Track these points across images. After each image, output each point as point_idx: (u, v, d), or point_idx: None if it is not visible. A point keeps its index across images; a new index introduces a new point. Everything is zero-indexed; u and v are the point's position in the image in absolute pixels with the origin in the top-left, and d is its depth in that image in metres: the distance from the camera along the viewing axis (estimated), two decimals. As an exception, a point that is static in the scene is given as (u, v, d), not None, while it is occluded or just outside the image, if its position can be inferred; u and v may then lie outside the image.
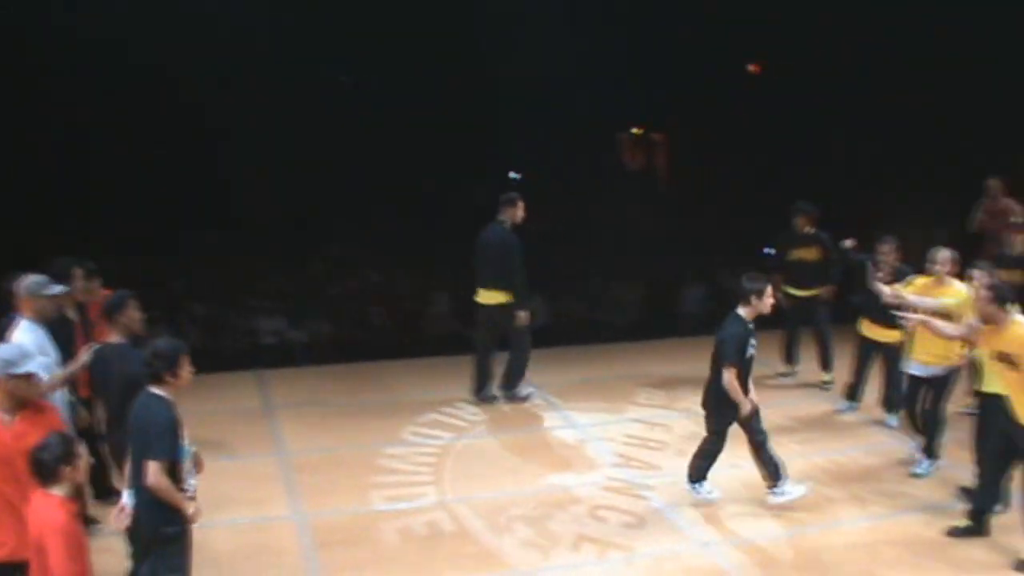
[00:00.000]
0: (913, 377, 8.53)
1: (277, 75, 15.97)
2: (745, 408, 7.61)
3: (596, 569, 7.08)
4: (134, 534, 5.79)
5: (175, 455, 5.54)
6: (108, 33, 13.80)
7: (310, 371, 11.83)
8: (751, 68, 20.36)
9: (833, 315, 10.80)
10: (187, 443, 5.66)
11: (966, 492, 7.79)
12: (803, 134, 16.96)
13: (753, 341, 7.69)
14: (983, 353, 7.24)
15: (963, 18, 13.84)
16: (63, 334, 7.12)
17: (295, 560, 7.19)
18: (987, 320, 7.01)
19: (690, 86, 18.18)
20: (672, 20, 17.39)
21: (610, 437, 9.43)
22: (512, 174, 20.06)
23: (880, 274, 8.76)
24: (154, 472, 5.42)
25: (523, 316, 10.01)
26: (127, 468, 5.77)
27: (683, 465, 8.18)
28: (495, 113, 18.03)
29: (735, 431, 7.89)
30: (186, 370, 5.66)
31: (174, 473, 5.53)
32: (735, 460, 8.36)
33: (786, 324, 10.87)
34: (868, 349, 9.58)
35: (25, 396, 5.36)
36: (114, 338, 6.62)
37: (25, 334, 6.63)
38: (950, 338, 7.69)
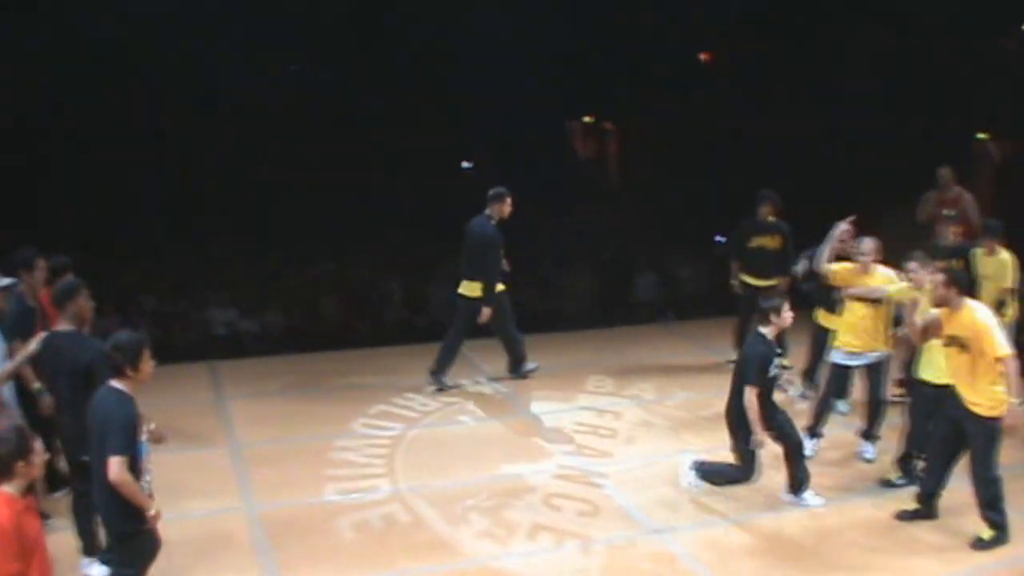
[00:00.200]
0: (842, 366, 8.61)
1: (227, 64, 15.81)
2: (757, 438, 7.56)
3: (552, 557, 7.10)
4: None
5: (135, 450, 5.45)
6: (56, 25, 13.64)
7: (262, 361, 11.73)
8: (703, 57, 20.50)
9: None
10: (144, 435, 5.57)
11: (902, 463, 8.05)
12: (756, 123, 17.05)
13: (776, 360, 7.73)
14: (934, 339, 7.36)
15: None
16: (27, 324, 7.06)
17: (248, 552, 7.14)
18: (941, 304, 7.12)
19: (641, 75, 18.26)
20: (627, 8, 17.47)
21: (561, 425, 9.44)
22: (464, 163, 20.08)
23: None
24: (116, 468, 5.33)
25: (486, 312, 10.01)
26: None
27: (634, 452, 8.16)
28: (448, 102, 18.02)
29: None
30: (148, 364, 5.55)
31: (134, 468, 5.43)
32: (685, 447, 8.43)
33: (740, 311, 10.88)
34: (823, 337, 9.62)
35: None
36: (64, 326, 6.54)
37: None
38: (918, 332, 7.67)
